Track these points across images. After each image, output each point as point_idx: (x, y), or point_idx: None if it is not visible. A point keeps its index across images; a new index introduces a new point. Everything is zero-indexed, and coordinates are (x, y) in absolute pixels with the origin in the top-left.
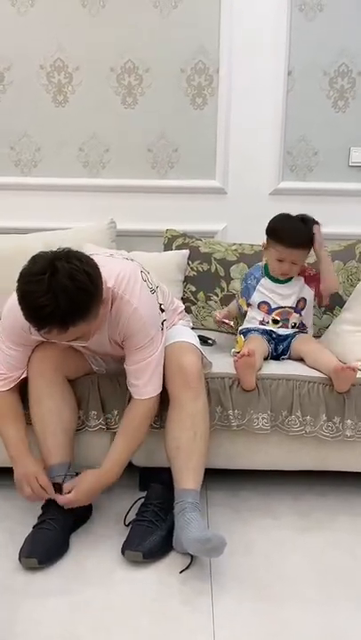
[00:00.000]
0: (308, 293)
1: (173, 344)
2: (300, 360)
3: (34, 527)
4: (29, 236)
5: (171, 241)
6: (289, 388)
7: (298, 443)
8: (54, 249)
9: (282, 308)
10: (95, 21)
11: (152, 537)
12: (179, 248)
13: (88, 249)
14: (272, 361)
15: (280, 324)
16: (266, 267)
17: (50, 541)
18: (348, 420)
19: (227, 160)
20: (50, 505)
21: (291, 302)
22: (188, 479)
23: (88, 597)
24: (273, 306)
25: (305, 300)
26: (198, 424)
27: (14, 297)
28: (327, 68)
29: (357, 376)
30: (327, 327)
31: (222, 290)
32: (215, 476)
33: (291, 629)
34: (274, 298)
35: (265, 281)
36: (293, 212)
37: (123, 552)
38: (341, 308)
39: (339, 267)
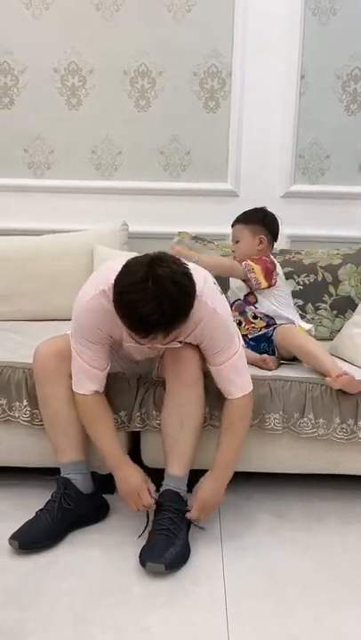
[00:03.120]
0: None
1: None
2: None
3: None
4: (42, 238)
5: (183, 243)
6: (301, 391)
7: (309, 445)
8: (141, 254)
9: (237, 301)
10: (109, 25)
11: (172, 548)
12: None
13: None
14: (284, 363)
15: (243, 324)
16: None
17: (38, 531)
18: None
19: (239, 163)
20: (55, 492)
21: (241, 295)
22: (172, 464)
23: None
24: (231, 300)
25: (254, 294)
26: (186, 414)
27: (86, 298)
28: (340, 72)
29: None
30: (339, 330)
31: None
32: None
33: (303, 633)
34: (235, 291)
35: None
36: (305, 216)
37: (143, 563)
38: (353, 311)
39: (351, 270)
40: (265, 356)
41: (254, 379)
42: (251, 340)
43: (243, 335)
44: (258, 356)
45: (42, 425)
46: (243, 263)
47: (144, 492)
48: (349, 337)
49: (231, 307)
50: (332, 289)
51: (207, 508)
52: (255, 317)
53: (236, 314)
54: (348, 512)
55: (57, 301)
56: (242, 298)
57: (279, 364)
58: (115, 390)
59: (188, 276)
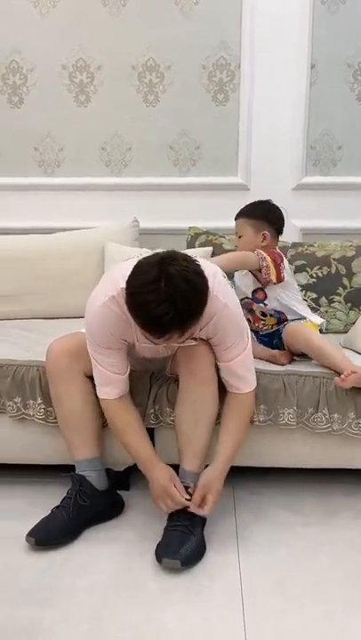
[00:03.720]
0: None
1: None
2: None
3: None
4: (53, 237)
5: (194, 238)
6: (315, 385)
7: (323, 440)
8: (150, 253)
9: (243, 299)
10: (116, 20)
11: (188, 544)
12: (202, 245)
13: (133, 253)
14: (296, 359)
15: (252, 321)
16: None
17: (54, 528)
18: None
19: (249, 156)
20: (70, 489)
21: (249, 292)
22: (187, 461)
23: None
24: (239, 298)
25: (263, 290)
26: (200, 411)
27: (96, 305)
28: (351, 61)
29: None
30: (353, 323)
31: None
32: (241, 474)
33: (318, 628)
34: (241, 288)
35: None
36: (317, 208)
37: (159, 559)
38: None
39: None
40: (276, 351)
41: (267, 373)
42: (263, 336)
43: (254, 332)
44: (269, 351)
45: (56, 422)
46: (255, 252)
47: (172, 491)
48: None
49: (242, 301)
50: (345, 281)
51: (209, 497)
52: (264, 315)
53: (245, 311)
54: None
55: (68, 300)
56: (250, 295)
57: (292, 359)
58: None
59: (200, 274)
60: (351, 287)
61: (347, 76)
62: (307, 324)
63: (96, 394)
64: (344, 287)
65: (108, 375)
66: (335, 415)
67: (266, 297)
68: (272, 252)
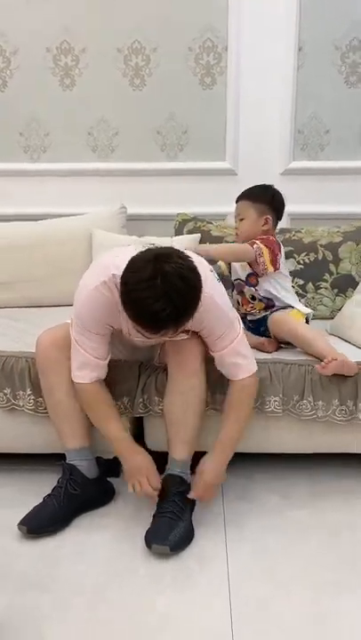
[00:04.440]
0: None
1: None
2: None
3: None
4: (40, 224)
5: (182, 225)
6: (301, 373)
7: (309, 426)
8: (143, 248)
9: (237, 280)
10: (100, 1)
11: (177, 529)
12: (190, 232)
13: (122, 241)
14: (283, 347)
15: (240, 303)
16: None
17: (45, 516)
18: None
19: (237, 141)
20: (62, 484)
21: (243, 275)
22: (176, 449)
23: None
24: (233, 278)
25: (256, 276)
26: (189, 401)
27: (87, 290)
28: (338, 43)
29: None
30: (340, 309)
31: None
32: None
33: (306, 613)
34: (237, 270)
35: None
36: (306, 192)
37: (149, 545)
38: (354, 289)
39: (351, 247)
40: (263, 339)
41: None
42: (250, 322)
43: (242, 316)
44: (256, 339)
45: (46, 413)
46: (254, 246)
47: (151, 477)
48: (350, 316)
49: (233, 288)
50: (332, 267)
51: (210, 489)
52: (253, 298)
53: (235, 292)
54: (351, 490)
55: (57, 287)
56: (243, 278)
57: (278, 347)
58: (117, 377)
59: (194, 271)
60: (338, 273)
61: (334, 59)
62: (292, 313)
63: None
64: (331, 273)
65: (89, 358)
66: (320, 402)
67: (258, 283)
68: (272, 241)
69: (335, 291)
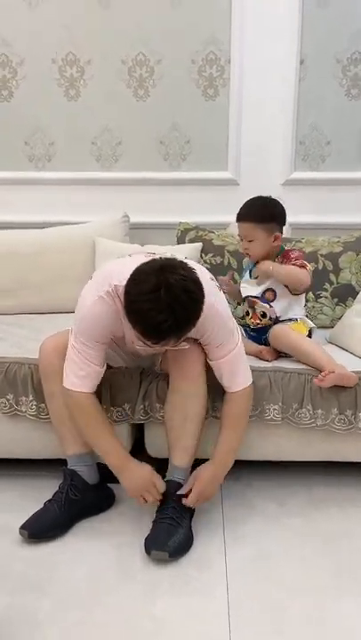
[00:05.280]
0: (281, 286)
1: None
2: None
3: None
4: (44, 232)
5: (184, 234)
6: (300, 382)
7: (309, 434)
8: (146, 259)
9: (249, 297)
10: (106, 14)
11: (176, 536)
12: (192, 241)
13: (125, 249)
14: (282, 355)
15: (250, 316)
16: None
17: (46, 521)
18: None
19: (239, 151)
20: (63, 490)
21: (256, 292)
22: (176, 456)
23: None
24: (243, 294)
25: (274, 291)
26: (190, 408)
27: (91, 300)
28: (340, 56)
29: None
30: (340, 318)
31: (235, 282)
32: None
33: (302, 619)
34: (246, 286)
35: (252, 266)
36: (307, 203)
37: (148, 551)
38: (354, 299)
39: (351, 257)
40: (262, 347)
41: (254, 370)
42: (252, 330)
43: (244, 326)
44: (256, 347)
45: (48, 418)
46: (307, 268)
47: (159, 482)
48: (350, 326)
49: (244, 300)
50: (332, 277)
51: (205, 495)
52: (264, 315)
53: (246, 306)
54: (348, 499)
55: (60, 294)
56: (258, 295)
57: (278, 356)
58: (118, 384)
59: (197, 283)
60: (338, 283)
61: (336, 72)
62: (293, 326)
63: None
64: (331, 283)
65: (88, 365)
66: (319, 411)
67: (275, 298)
68: (301, 255)
69: (335, 300)
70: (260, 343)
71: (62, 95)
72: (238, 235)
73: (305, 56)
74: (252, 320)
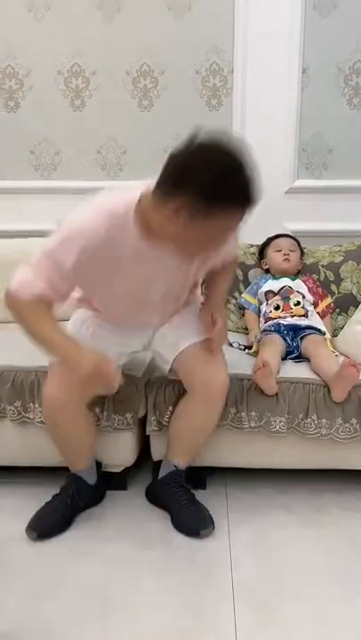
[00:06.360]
0: (308, 296)
1: (200, 351)
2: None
3: (47, 502)
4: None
5: None
6: (305, 392)
7: (314, 442)
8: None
9: (283, 287)
10: (110, 26)
11: (205, 511)
12: None
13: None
14: (288, 362)
15: (281, 308)
16: (268, 276)
17: (52, 519)
18: None
19: None
20: (66, 487)
21: (302, 289)
22: (177, 455)
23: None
24: (276, 289)
25: (303, 295)
26: (202, 428)
27: (105, 207)
28: (342, 65)
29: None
30: (342, 328)
31: (241, 293)
32: (234, 474)
33: (308, 623)
34: (278, 285)
35: (271, 280)
36: (310, 211)
37: (196, 533)
38: (356, 308)
39: (352, 267)
40: (268, 362)
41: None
42: (285, 328)
43: (276, 319)
44: (260, 360)
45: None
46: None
47: (107, 365)
48: (352, 334)
49: (278, 292)
50: (333, 287)
51: (218, 318)
52: (298, 304)
53: (279, 297)
54: (353, 505)
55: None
56: (301, 291)
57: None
58: (123, 394)
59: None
60: (339, 293)
61: (338, 81)
62: (328, 345)
63: (92, 412)
64: (333, 293)
65: (47, 287)
66: (323, 420)
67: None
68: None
69: (337, 310)
70: (292, 347)
71: (68, 105)
72: (278, 249)
73: (307, 65)
74: (283, 311)
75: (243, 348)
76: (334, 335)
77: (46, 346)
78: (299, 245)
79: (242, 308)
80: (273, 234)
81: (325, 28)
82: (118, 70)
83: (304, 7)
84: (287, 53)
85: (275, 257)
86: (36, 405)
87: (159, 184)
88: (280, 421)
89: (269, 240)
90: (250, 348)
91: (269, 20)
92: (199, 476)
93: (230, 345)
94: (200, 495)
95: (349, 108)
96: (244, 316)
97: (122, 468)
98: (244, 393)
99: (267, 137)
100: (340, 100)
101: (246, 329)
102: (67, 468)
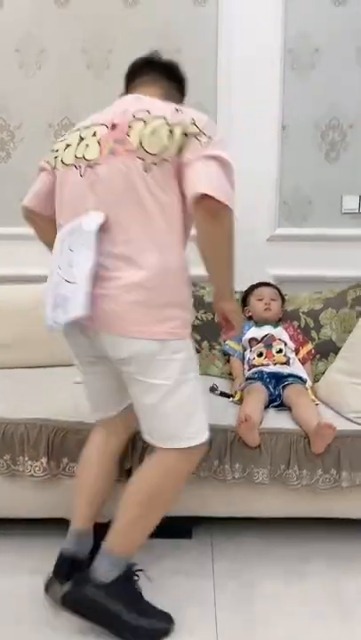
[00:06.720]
0: (290, 343)
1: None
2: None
3: None
4: (41, 287)
5: None
6: (287, 443)
7: (296, 493)
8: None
9: (265, 335)
10: (100, 82)
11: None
12: None
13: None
14: (271, 410)
15: (263, 355)
16: (251, 323)
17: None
18: (344, 472)
19: None
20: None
21: (284, 337)
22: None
23: None
24: (259, 337)
25: (285, 343)
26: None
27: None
28: (319, 122)
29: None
30: (323, 373)
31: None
32: (219, 523)
33: None
34: (260, 333)
35: (254, 327)
36: (290, 257)
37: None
38: (335, 354)
39: (332, 314)
40: (250, 417)
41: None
42: (267, 375)
43: (259, 366)
44: (243, 413)
45: (44, 475)
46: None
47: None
48: (332, 383)
49: (261, 340)
50: (314, 334)
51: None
52: (280, 352)
53: (262, 345)
54: (335, 553)
55: (62, 349)
56: (283, 339)
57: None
58: None
59: None
60: (319, 339)
61: (315, 137)
62: (309, 394)
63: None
64: (313, 339)
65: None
66: (304, 472)
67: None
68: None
69: (318, 356)
70: (271, 395)
71: None
72: (259, 297)
73: (287, 123)
74: (265, 358)
75: (227, 395)
76: (316, 380)
77: (230, 264)
78: (280, 294)
79: (227, 354)
80: (257, 279)
81: (303, 88)
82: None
83: (283, 69)
84: (268, 112)
85: (257, 305)
86: (26, 458)
87: None
88: (263, 473)
89: (252, 288)
90: (233, 396)
91: (251, 81)
92: (185, 525)
93: (213, 391)
94: (185, 545)
95: (327, 163)
96: (229, 362)
97: (108, 519)
98: (227, 445)
99: (249, 188)
100: (318, 156)
101: (231, 374)
102: (56, 521)
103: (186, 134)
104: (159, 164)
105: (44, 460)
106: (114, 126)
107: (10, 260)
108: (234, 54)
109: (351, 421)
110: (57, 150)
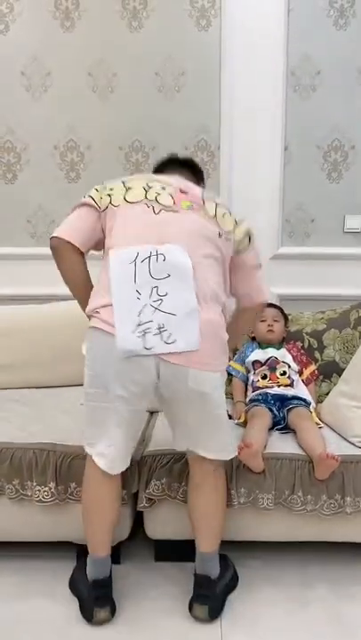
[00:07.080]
0: (293, 365)
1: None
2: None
3: None
4: (48, 306)
5: None
6: (291, 469)
7: (301, 517)
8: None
9: (269, 358)
10: (105, 105)
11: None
12: None
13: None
14: (275, 434)
15: (267, 378)
16: (255, 344)
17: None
18: (348, 498)
19: None
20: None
21: (287, 359)
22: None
23: None
24: (263, 360)
25: (289, 365)
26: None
27: None
28: (320, 143)
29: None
30: (327, 394)
31: (228, 359)
32: (222, 546)
33: None
34: (264, 355)
35: (258, 349)
36: (293, 275)
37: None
38: (339, 375)
39: (335, 335)
40: (252, 444)
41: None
42: (272, 398)
43: (263, 388)
44: (244, 441)
45: (52, 500)
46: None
47: None
48: (336, 407)
49: (265, 362)
50: (317, 354)
51: None
52: (284, 373)
53: (266, 367)
54: (338, 578)
55: (63, 369)
56: (287, 361)
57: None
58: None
59: None
60: (323, 360)
61: (317, 157)
62: (313, 416)
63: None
64: (316, 360)
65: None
66: (309, 497)
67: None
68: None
69: (321, 377)
70: (275, 418)
71: (63, 177)
72: (262, 319)
73: (289, 143)
74: (270, 380)
75: (229, 417)
76: (319, 401)
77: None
78: (283, 314)
79: (229, 375)
80: None
81: (305, 110)
82: (111, 146)
83: (285, 90)
84: (270, 132)
85: (260, 327)
86: (34, 483)
87: None
88: (268, 498)
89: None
90: (237, 417)
91: (253, 102)
92: (190, 549)
93: None
94: (189, 568)
95: (329, 182)
96: (231, 382)
97: (116, 542)
98: (233, 470)
99: (253, 208)
100: (320, 175)
101: (232, 395)
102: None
103: (249, 237)
104: (225, 239)
105: (52, 484)
106: (183, 191)
107: (14, 279)
108: (237, 77)
109: (355, 446)
110: (111, 189)
